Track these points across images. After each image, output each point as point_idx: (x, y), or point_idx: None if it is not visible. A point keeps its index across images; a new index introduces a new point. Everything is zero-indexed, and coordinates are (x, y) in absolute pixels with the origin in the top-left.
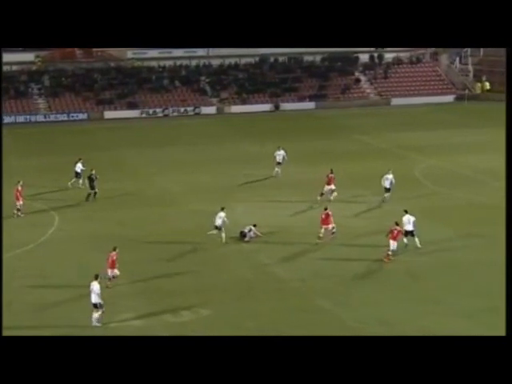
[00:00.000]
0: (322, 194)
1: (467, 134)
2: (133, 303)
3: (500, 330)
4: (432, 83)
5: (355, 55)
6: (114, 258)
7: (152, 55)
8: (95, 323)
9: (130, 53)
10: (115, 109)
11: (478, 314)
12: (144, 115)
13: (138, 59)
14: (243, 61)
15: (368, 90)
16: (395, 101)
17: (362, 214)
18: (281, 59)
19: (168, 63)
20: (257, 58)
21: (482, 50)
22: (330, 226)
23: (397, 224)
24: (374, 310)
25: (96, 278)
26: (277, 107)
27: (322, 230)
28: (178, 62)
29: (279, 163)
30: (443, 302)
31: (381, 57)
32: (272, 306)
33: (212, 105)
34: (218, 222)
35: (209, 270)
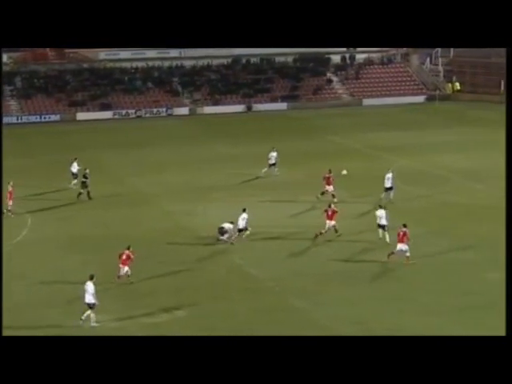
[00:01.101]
0: (322, 193)
1: (439, 134)
2: (107, 304)
3: (472, 329)
4: (403, 84)
5: (327, 56)
6: (132, 255)
7: (124, 56)
8: (93, 324)
9: (102, 54)
10: (88, 110)
11: (452, 312)
12: (117, 116)
13: (111, 60)
14: (216, 62)
15: (340, 91)
16: (367, 101)
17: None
18: (253, 60)
19: (140, 64)
20: (229, 59)
21: (452, 50)
22: (333, 223)
23: (404, 226)
24: (348, 309)
25: (91, 278)
26: (249, 108)
27: (326, 226)
28: (151, 64)
29: (273, 164)
30: (417, 301)
31: (352, 57)
32: (246, 306)
33: (185, 106)
34: (242, 223)
35: (183, 271)
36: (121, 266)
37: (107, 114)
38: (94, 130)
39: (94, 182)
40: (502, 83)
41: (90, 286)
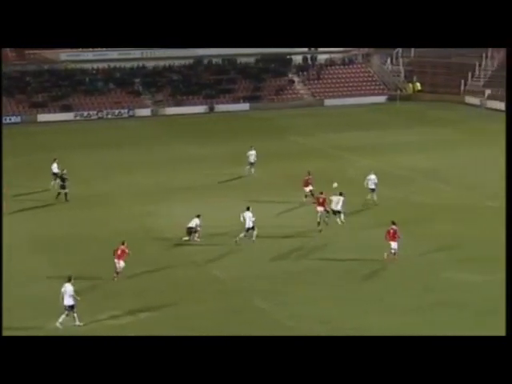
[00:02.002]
0: (306, 196)
1: (400, 134)
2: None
3: (438, 327)
4: (364, 84)
5: (289, 57)
6: (126, 250)
7: (86, 58)
8: (77, 323)
9: (63, 55)
10: (49, 112)
11: (416, 312)
12: (78, 118)
13: (72, 61)
14: (177, 63)
15: (302, 91)
16: (328, 101)
17: (300, 213)
18: (215, 61)
19: (102, 65)
20: (191, 60)
21: (412, 50)
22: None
23: (393, 223)
24: (313, 309)
25: (69, 279)
26: (211, 109)
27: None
28: (112, 65)
29: (252, 163)
30: (383, 300)
31: (314, 58)
32: (210, 306)
33: (147, 107)
34: (249, 222)
35: (147, 272)
36: (116, 260)
37: (69, 116)
38: (55, 131)
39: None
40: (463, 83)
41: (68, 288)
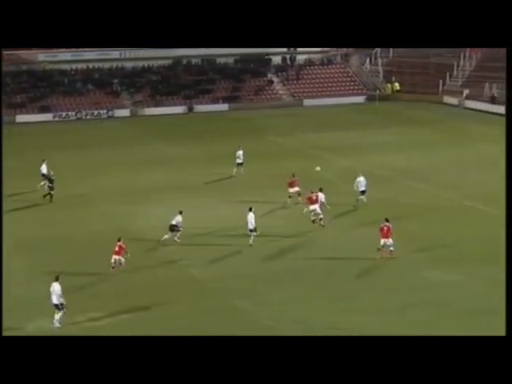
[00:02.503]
0: (290, 197)
1: (379, 134)
2: (47, 307)
3: (416, 327)
4: (343, 84)
5: (267, 57)
6: (123, 245)
7: (64, 58)
8: (56, 324)
9: (41, 56)
10: (27, 112)
11: (394, 311)
12: (57, 119)
13: (50, 62)
14: (156, 63)
15: (281, 92)
16: (307, 102)
17: (279, 214)
18: (194, 61)
19: (80, 66)
20: (170, 61)
21: (391, 51)
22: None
23: (386, 220)
24: (291, 309)
25: (56, 279)
26: (190, 109)
27: (310, 211)
28: (91, 65)
29: (241, 164)
30: (361, 300)
31: (293, 58)
32: (189, 307)
33: (126, 107)
34: (252, 223)
35: (126, 273)
36: (115, 257)
37: (47, 117)
38: (34, 132)
39: (36, 184)
40: (441, 83)
41: (56, 287)
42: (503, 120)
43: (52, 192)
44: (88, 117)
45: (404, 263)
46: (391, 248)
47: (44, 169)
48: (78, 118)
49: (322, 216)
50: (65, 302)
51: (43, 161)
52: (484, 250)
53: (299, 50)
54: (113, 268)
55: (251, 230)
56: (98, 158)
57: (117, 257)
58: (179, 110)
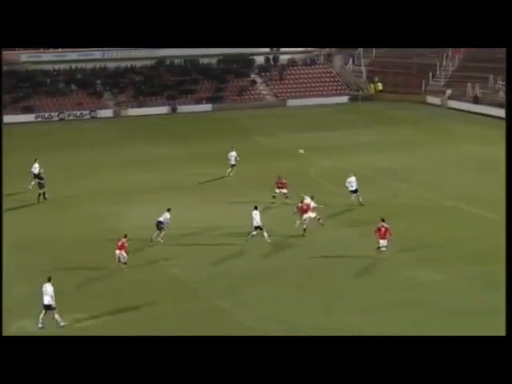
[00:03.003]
0: (274, 197)
1: (362, 134)
2: (28, 308)
3: (397, 326)
4: (326, 84)
5: (250, 57)
6: (126, 244)
7: (46, 59)
8: (44, 325)
9: (24, 56)
10: (10, 113)
11: (376, 310)
12: (39, 119)
13: (33, 63)
14: (139, 63)
15: (264, 92)
16: (291, 102)
17: (264, 214)
18: (177, 62)
19: (63, 66)
20: (153, 61)
21: (374, 50)
22: (313, 215)
23: (383, 220)
24: (273, 309)
25: (49, 279)
26: (174, 110)
27: (306, 222)
28: (74, 66)
29: (233, 165)
30: (343, 299)
31: (276, 59)
32: (171, 308)
33: (108, 108)
34: (256, 222)
35: (106, 274)
36: (118, 252)
37: (30, 117)
38: (17, 133)
39: (20, 184)
40: (423, 83)
41: (49, 288)
42: (486, 120)
43: (41, 190)
44: (71, 117)
45: (388, 263)
46: (383, 249)
47: (36, 168)
48: (60, 119)
49: (318, 216)
50: (54, 304)
51: (35, 160)
52: (468, 250)
53: (282, 50)
54: (119, 262)
55: (256, 228)
56: (81, 159)
57: (118, 251)
58: (162, 110)
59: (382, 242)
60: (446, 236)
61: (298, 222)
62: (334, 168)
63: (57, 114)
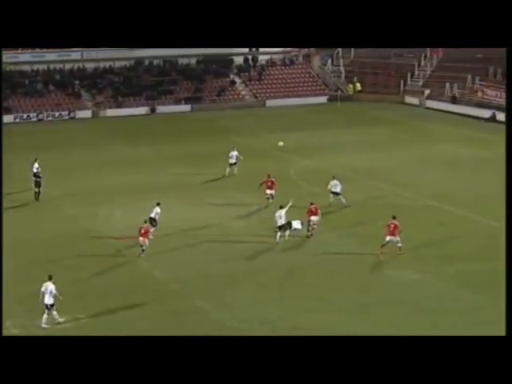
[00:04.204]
0: (268, 198)
1: (340, 134)
2: (9, 310)
3: (376, 326)
4: (305, 84)
5: (229, 57)
6: (148, 229)
7: (24, 59)
8: (46, 325)
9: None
10: None
11: (356, 310)
12: (18, 120)
13: (10, 63)
14: (118, 64)
15: (243, 92)
16: (270, 102)
17: (242, 214)
18: (156, 62)
19: (41, 67)
20: (132, 61)
21: (352, 51)
22: (316, 219)
23: (394, 218)
24: (254, 310)
25: (50, 278)
26: (153, 110)
27: (311, 224)
28: (52, 66)
29: (234, 164)
30: (324, 299)
31: (255, 59)
32: (152, 309)
33: (87, 109)
34: (280, 221)
35: (86, 275)
36: (141, 239)
37: (8, 118)
38: None
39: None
40: (402, 83)
41: (51, 287)
42: (464, 120)
43: (36, 190)
44: (49, 118)
45: (368, 263)
46: (399, 244)
47: (36, 168)
48: (39, 120)
49: (310, 230)
50: (55, 302)
51: (35, 160)
52: (448, 249)
53: (261, 50)
54: (142, 251)
55: (280, 227)
56: (60, 160)
57: (142, 239)
58: (141, 111)
59: (392, 239)
60: (426, 235)
61: (296, 225)
62: (313, 168)
63: (35, 114)
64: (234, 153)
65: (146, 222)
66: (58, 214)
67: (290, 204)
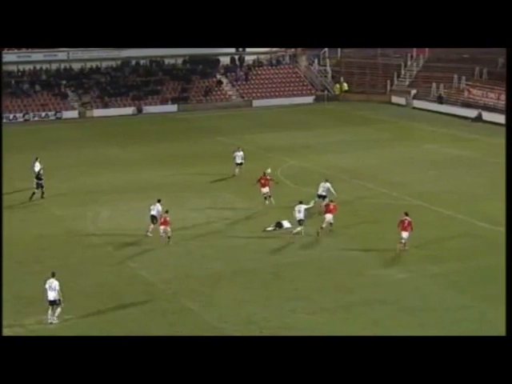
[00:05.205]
0: (265, 198)
1: (327, 134)
2: None
3: (359, 325)
4: (292, 84)
5: (216, 58)
6: (168, 218)
7: (10, 59)
8: (55, 320)
9: None
10: None
11: (340, 310)
12: (4, 121)
13: None
14: (104, 64)
15: (230, 92)
16: (257, 102)
17: (228, 214)
18: (142, 62)
19: (28, 67)
20: (118, 62)
21: (339, 51)
22: (331, 216)
23: (406, 214)
24: (240, 310)
25: (53, 275)
26: (139, 110)
27: (326, 220)
28: (38, 66)
29: (239, 164)
30: (309, 299)
31: (241, 59)
32: (139, 309)
33: (73, 109)
34: (299, 215)
35: (71, 275)
36: (162, 227)
37: None
38: None
39: None
40: (389, 83)
41: (54, 283)
42: (450, 119)
43: (36, 190)
44: (36, 118)
45: (354, 262)
46: (403, 241)
47: (37, 167)
48: (25, 120)
49: (323, 225)
50: (62, 298)
51: (36, 159)
52: (432, 249)
53: (248, 50)
54: (161, 237)
55: (299, 221)
56: (46, 161)
57: (163, 227)
58: (128, 111)
59: (404, 235)
60: (413, 234)
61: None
62: (299, 168)
63: (21, 115)
64: (239, 153)
65: (166, 211)
66: (44, 215)
67: (312, 202)
